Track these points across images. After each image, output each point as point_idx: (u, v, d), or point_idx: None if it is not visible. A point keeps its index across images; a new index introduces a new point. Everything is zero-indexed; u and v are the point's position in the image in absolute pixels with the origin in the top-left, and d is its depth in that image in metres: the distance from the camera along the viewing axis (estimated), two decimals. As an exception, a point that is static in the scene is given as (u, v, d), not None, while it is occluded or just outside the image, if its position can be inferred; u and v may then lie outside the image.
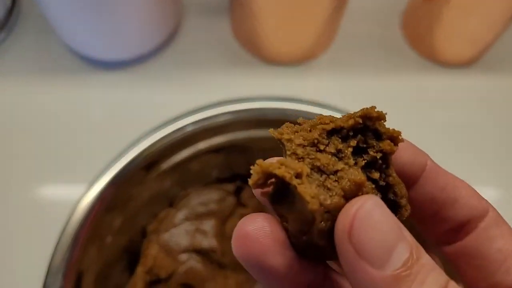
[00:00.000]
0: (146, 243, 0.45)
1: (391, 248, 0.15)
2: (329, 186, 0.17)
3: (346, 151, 0.18)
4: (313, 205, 0.15)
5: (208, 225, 0.45)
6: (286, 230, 0.17)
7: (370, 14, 0.59)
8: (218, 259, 0.44)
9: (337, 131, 0.18)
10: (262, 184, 0.17)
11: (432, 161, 0.20)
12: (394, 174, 0.18)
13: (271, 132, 0.18)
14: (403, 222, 0.16)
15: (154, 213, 0.46)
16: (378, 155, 0.17)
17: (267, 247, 0.17)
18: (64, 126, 0.50)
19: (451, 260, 0.20)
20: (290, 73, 0.54)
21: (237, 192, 0.48)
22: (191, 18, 0.58)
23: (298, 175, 0.16)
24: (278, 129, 0.18)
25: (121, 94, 0.52)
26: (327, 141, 0.18)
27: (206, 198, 0.46)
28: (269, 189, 0.18)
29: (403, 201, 0.18)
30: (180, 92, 0.52)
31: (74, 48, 0.54)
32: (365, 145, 0.18)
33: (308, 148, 0.17)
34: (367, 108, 0.17)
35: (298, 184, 0.16)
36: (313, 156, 0.17)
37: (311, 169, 0.17)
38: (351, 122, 0.17)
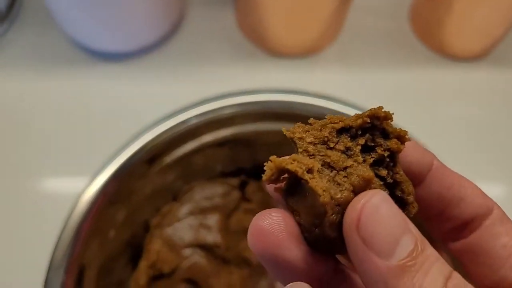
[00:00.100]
0: (149, 237, 0.44)
1: (397, 240, 0.16)
2: (339, 181, 0.17)
3: (355, 149, 0.18)
4: (325, 197, 0.17)
5: (212, 219, 0.44)
6: (299, 224, 0.18)
7: (377, 5, 0.58)
8: (222, 254, 0.43)
9: (346, 130, 0.19)
10: (275, 180, 0.18)
11: (439, 160, 0.21)
12: (401, 172, 0.19)
13: (283, 130, 0.19)
14: (410, 219, 0.17)
15: (157, 207, 0.46)
16: (386, 154, 0.18)
17: (282, 241, 0.18)
18: (67, 118, 0.49)
19: (457, 257, 0.21)
20: (296, 65, 0.54)
21: (242, 187, 0.47)
22: (195, 9, 0.57)
23: (310, 170, 0.17)
24: (290, 128, 0.19)
25: (125, 86, 0.51)
26: (337, 139, 0.19)
27: (210, 192, 0.46)
28: (282, 184, 0.19)
29: (410, 198, 0.18)
30: (184, 84, 0.52)
31: (77, 39, 0.53)
32: (373, 144, 0.19)
33: (318, 145, 0.18)
34: (374, 108, 0.18)
35: (310, 178, 0.17)
36: (323, 153, 0.18)
37: (322, 165, 0.18)
38: (359, 121, 0.18)
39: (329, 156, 0.18)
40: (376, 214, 0.16)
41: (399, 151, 0.18)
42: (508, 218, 0.20)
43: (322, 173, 0.18)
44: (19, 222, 0.44)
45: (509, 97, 0.52)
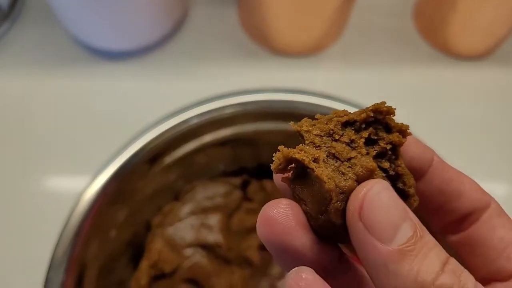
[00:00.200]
0: (150, 237, 0.44)
1: (397, 226, 0.17)
2: (343, 171, 0.18)
3: (359, 142, 0.19)
4: (329, 185, 0.18)
5: (214, 219, 0.44)
6: (305, 213, 0.19)
7: (381, 4, 0.57)
8: (223, 254, 0.43)
9: (350, 124, 0.20)
10: (283, 169, 0.19)
11: (439, 156, 0.22)
12: (403, 165, 0.19)
13: (292, 125, 0.20)
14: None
15: (159, 207, 0.45)
16: (388, 147, 0.19)
17: (289, 229, 0.18)
18: (69, 117, 0.49)
19: (456, 249, 0.22)
20: (299, 64, 0.53)
21: (244, 186, 0.47)
22: (198, 7, 0.57)
23: (316, 160, 0.18)
24: (298, 122, 0.20)
25: (127, 85, 0.51)
26: (342, 132, 0.19)
27: (212, 192, 0.46)
28: (289, 174, 0.20)
29: (411, 190, 0.19)
30: (187, 82, 0.52)
31: (79, 38, 0.53)
32: (376, 137, 0.19)
33: (324, 138, 0.19)
34: (377, 103, 0.19)
35: (316, 167, 0.18)
36: (329, 145, 0.19)
37: (327, 156, 0.19)
38: (363, 115, 0.19)
39: (334, 148, 0.19)
40: (377, 201, 0.17)
41: (401, 144, 0.19)
42: (505, 213, 0.21)
43: (327, 163, 0.19)
44: (20, 221, 0.44)
45: (511, 96, 0.52)
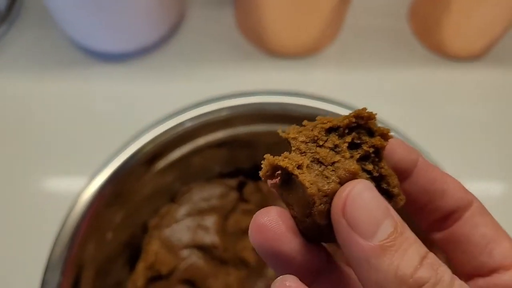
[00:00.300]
0: (147, 238, 0.45)
1: (378, 223, 0.17)
2: (327, 174, 0.19)
3: (342, 146, 0.20)
4: (311, 189, 0.19)
5: (210, 221, 0.44)
6: (294, 217, 0.20)
7: (376, 5, 0.58)
8: (219, 255, 0.43)
9: (334, 130, 0.21)
10: (270, 176, 0.20)
11: (424, 158, 0.23)
12: (386, 167, 0.20)
13: (279, 132, 0.21)
14: (398, 211, 0.19)
15: (155, 208, 0.46)
16: (371, 150, 0.20)
17: (279, 235, 0.20)
18: (66, 119, 0.49)
19: (441, 246, 0.23)
20: (296, 66, 0.54)
21: (240, 188, 0.47)
22: (195, 9, 0.57)
23: (300, 166, 0.19)
24: (286, 129, 0.21)
25: (124, 87, 0.52)
26: (326, 137, 0.20)
27: (208, 193, 0.46)
28: (277, 180, 0.21)
29: (395, 190, 0.20)
30: (184, 84, 0.52)
31: (77, 40, 0.53)
32: (359, 141, 0.20)
33: (309, 144, 0.20)
34: (359, 109, 0.20)
35: (299, 173, 0.19)
36: (313, 151, 0.20)
37: (312, 161, 0.20)
38: (346, 121, 0.20)
39: (318, 153, 0.20)
40: (359, 200, 0.18)
41: (383, 147, 0.20)
42: (487, 211, 0.22)
43: (311, 168, 0.20)
44: (16, 222, 0.44)
45: (507, 97, 0.52)
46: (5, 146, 0.47)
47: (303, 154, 0.20)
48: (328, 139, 0.20)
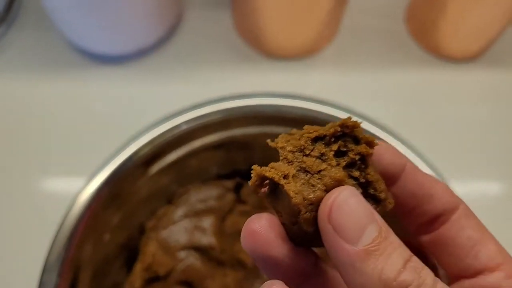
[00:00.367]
0: (144, 240, 0.45)
1: (363, 228, 0.18)
2: (313, 183, 0.20)
3: (328, 154, 0.21)
4: (296, 199, 0.19)
5: (207, 222, 0.44)
6: (283, 224, 0.21)
7: (373, 7, 0.58)
8: (217, 256, 0.44)
9: (321, 138, 0.21)
10: (259, 185, 0.21)
11: (411, 162, 0.23)
12: (373, 172, 0.21)
13: (269, 142, 0.21)
14: (387, 215, 0.20)
15: (152, 210, 0.46)
16: (357, 157, 0.21)
17: (269, 240, 0.21)
18: (64, 120, 0.49)
19: (429, 248, 0.24)
20: (293, 67, 0.54)
21: (237, 189, 0.47)
22: (193, 11, 0.57)
23: (286, 176, 0.20)
24: (275, 139, 0.22)
25: (122, 89, 0.52)
26: (312, 147, 0.21)
27: (205, 195, 0.46)
28: (266, 189, 0.21)
29: (382, 195, 0.21)
30: (182, 86, 0.52)
31: (75, 42, 0.53)
32: (346, 149, 0.21)
33: (296, 153, 0.21)
34: (344, 119, 0.21)
35: (285, 183, 0.20)
36: (300, 160, 0.21)
37: (298, 170, 0.20)
38: (331, 130, 0.21)
39: (305, 162, 0.20)
40: (344, 206, 0.18)
41: (368, 154, 0.21)
42: (473, 213, 0.23)
43: (297, 177, 0.20)
44: (14, 223, 0.44)
45: (503, 97, 0.52)
46: (2, 147, 0.48)
47: (290, 163, 0.21)
48: (315, 148, 0.21)
